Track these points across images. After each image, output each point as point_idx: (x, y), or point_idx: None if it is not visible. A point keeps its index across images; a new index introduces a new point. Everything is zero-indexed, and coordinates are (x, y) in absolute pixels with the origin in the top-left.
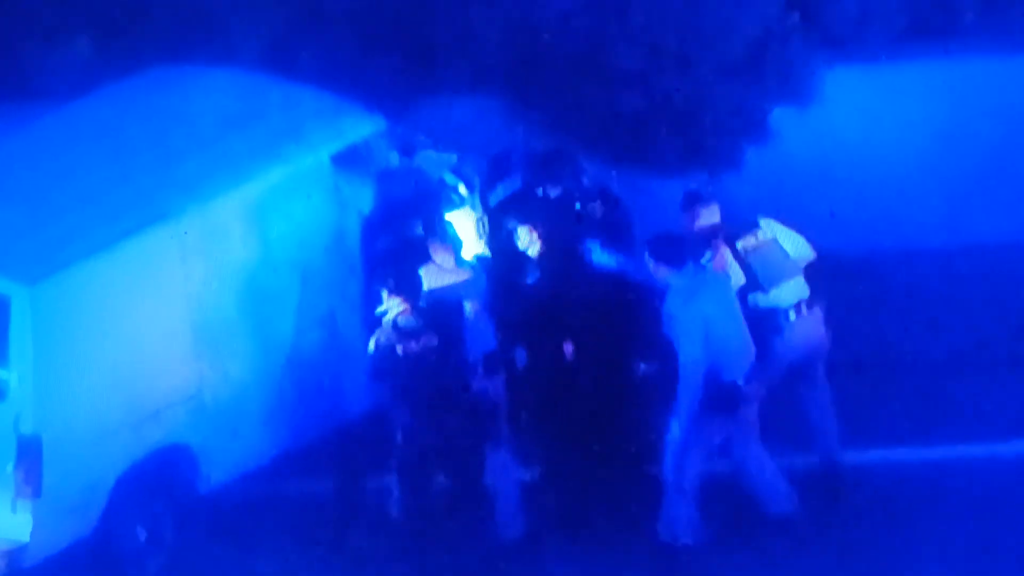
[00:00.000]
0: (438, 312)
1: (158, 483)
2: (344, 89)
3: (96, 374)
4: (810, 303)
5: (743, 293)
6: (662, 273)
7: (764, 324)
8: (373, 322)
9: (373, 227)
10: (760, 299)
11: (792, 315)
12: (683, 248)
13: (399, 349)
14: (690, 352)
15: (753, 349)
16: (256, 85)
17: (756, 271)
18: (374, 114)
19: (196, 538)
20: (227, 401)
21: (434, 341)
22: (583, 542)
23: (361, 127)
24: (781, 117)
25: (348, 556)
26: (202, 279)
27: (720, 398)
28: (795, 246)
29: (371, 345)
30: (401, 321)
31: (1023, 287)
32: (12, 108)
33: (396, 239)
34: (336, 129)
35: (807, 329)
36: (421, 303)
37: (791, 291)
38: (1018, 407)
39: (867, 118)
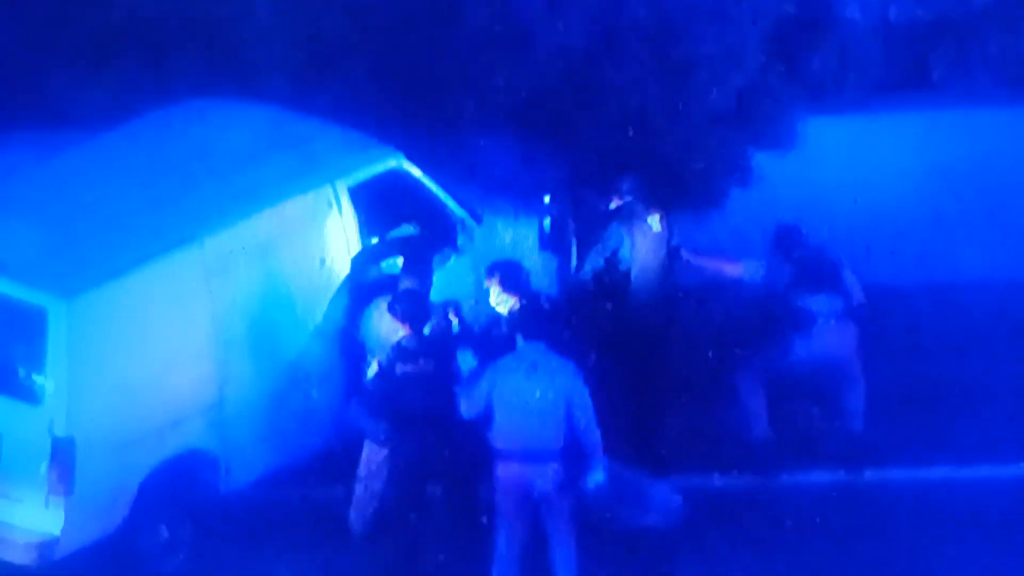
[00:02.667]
0: (434, 339)
1: (180, 486)
2: (360, 124)
3: (125, 382)
4: (842, 317)
5: (787, 290)
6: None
7: (793, 322)
8: (352, 345)
9: (365, 260)
10: (798, 300)
11: (821, 321)
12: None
13: (398, 370)
14: None
15: None
16: (278, 119)
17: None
18: (389, 148)
19: (214, 539)
20: (246, 410)
21: (431, 365)
22: None
23: (377, 161)
24: (763, 162)
25: (360, 561)
26: (224, 297)
27: None
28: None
29: (372, 367)
30: (404, 343)
31: (983, 324)
32: (50, 135)
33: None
34: (352, 162)
35: (832, 339)
36: (425, 330)
37: (827, 303)
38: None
39: (843, 165)
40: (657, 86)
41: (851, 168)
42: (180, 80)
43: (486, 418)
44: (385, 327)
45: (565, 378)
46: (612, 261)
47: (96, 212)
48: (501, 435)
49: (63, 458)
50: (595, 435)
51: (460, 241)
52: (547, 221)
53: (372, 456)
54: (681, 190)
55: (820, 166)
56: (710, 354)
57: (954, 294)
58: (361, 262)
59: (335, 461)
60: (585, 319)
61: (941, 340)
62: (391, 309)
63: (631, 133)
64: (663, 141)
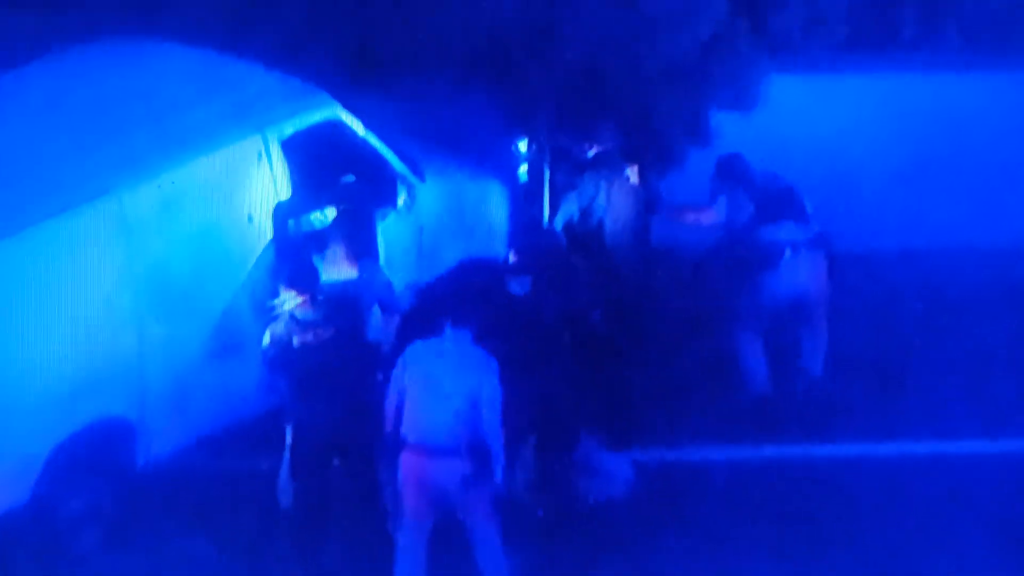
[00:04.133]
0: (335, 305)
1: (96, 455)
2: (296, 71)
3: (34, 344)
4: (811, 246)
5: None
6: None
7: (762, 258)
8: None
9: (284, 213)
10: (762, 232)
11: (788, 253)
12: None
13: (295, 341)
14: None
15: None
16: (205, 61)
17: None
18: (325, 98)
19: (134, 512)
20: (166, 376)
21: (329, 333)
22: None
23: (312, 110)
24: (724, 121)
25: (285, 532)
26: (143, 256)
27: None
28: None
29: (266, 337)
30: (298, 313)
31: (947, 289)
32: None
33: (298, 229)
34: (285, 111)
35: (803, 269)
36: (319, 295)
37: (791, 230)
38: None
39: (808, 126)
40: (614, 39)
41: (816, 130)
42: (96, 15)
43: (398, 403)
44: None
45: (480, 373)
46: (588, 212)
47: (4, 160)
48: (408, 423)
49: None
50: (498, 435)
51: (400, 200)
52: (523, 168)
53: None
54: (636, 147)
55: (784, 127)
56: (694, 308)
57: (920, 260)
58: (284, 213)
59: (259, 431)
60: (558, 273)
61: (905, 306)
62: (280, 276)
63: (586, 87)
64: (620, 98)
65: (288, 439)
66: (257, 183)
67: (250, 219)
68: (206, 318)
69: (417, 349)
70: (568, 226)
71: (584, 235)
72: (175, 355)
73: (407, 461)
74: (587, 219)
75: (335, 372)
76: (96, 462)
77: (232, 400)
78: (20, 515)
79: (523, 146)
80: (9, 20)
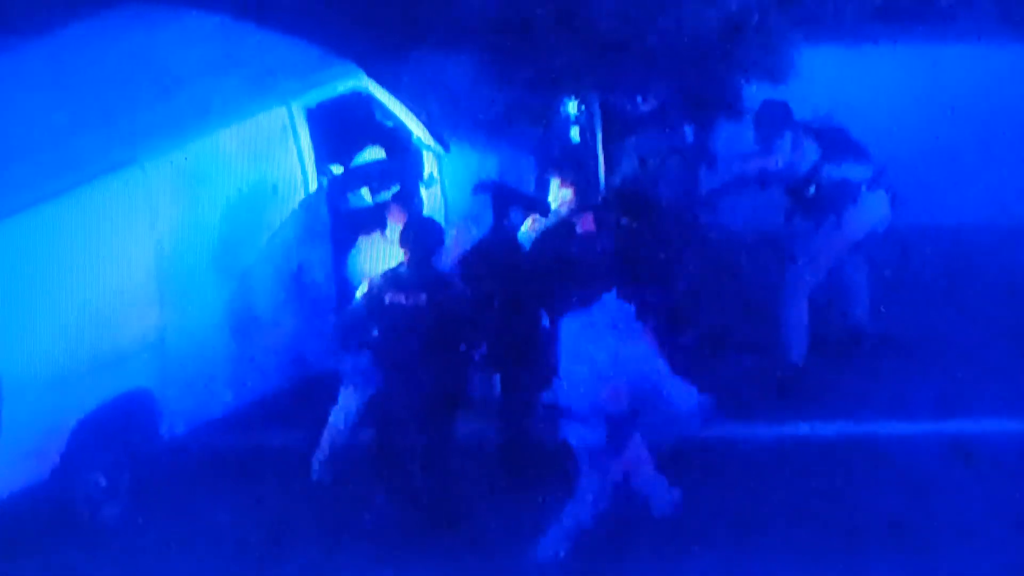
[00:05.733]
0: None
1: (118, 429)
2: (321, 40)
3: (58, 318)
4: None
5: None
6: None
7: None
8: (342, 278)
9: (342, 186)
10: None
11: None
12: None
13: (387, 299)
14: None
15: None
16: (231, 29)
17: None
18: (351, 67)
19: (155, 485)
20: (190, 349)
21: (422, 299)
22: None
23: (337, 80)
24: (755, 94)
25: (303, 508)
26: (168, 226)
27: None
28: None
29: (360, 291)
30: (400, 273)
31: (982, 268)
32: None
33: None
34: (311, 81)
35: (874, 206)
36: (427, 260)
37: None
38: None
39: (840, 98)
40: (644, 9)
41: (848, 102)
42: None
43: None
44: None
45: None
46: (644, 169)
47: (24, 129)
48: (559, 390)
49: None
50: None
51: (427, 172)
52: (575, 130)
53: (346, 401)
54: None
55: (815, 99)
56: (754, 265)
57: (953, 235)
58: (339, 189)
59: (280, 405)
60: (622, 233)
61: (937, 283)
62: (403, 236)
63: (624, 53)
64: (648, 66)
65: (343, 403)
66: (282, 154)
67: (275, 190)
68: (229, 291)
69: (576, 320)
70: (624, 185)
71: (640, 193)
72: (198, 328)
73: (561, 426)
74: (643, 177)
75: (419, 336)
76: (119, 436)
77: (254, 374)
78: (44, 488)
79: (572, 107)
80: None
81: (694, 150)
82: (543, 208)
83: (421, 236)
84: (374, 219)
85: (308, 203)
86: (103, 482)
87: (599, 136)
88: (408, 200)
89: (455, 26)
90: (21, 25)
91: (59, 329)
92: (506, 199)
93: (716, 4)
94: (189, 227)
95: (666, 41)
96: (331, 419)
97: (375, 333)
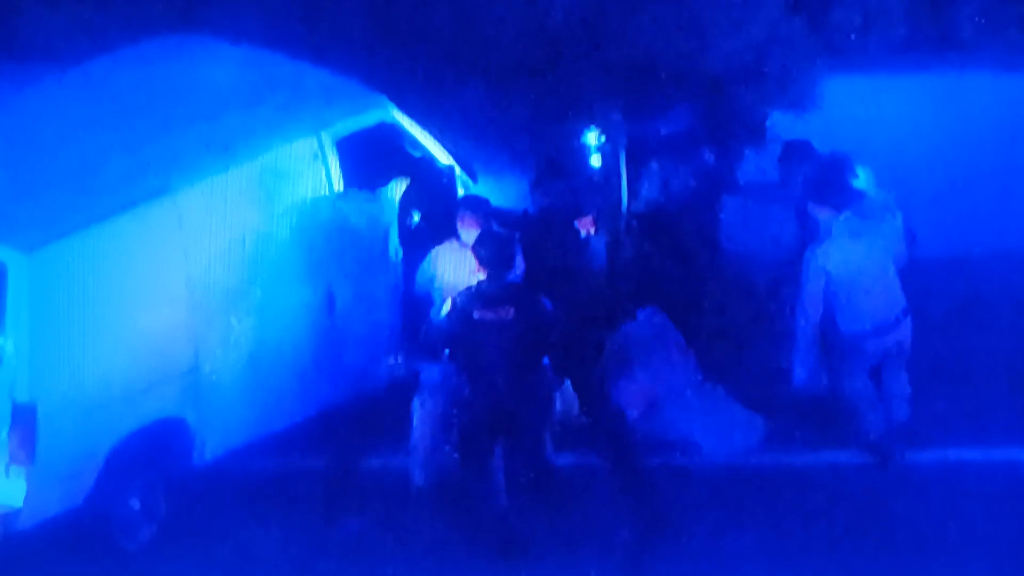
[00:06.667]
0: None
1: (153, 454)
2: (352, 72)
3: (93, 344)
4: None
5: None
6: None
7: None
8: (408, 295)
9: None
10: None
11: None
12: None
13: (476, 315)
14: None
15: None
16: (263, 61)
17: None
18: (379, 98)
19: (189, 510)
20: (224, 376)
21: (511, 313)
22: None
23: (366, 111)
24: (780, 121)
25: (338, 533)
26: (201, 254)
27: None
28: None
29: (445, 308)
30: (484, 288)
31: (1009, 299)
32: (13, 67)
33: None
34: (340, 111)
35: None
36: (508, 275)
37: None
38: None
39: (864, 127)
40: (668, 38)
41: (872, 132)
42: (155, 12)
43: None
44: (454, 271)
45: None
46: (666, 195)
47: (61, 157)
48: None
49: (24, 424)
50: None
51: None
52: (596, 157)
53: (426, 413)
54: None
55: (840, 128)
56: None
57: (976, 266)
58: (407, 207)
59: (311, 431)
60: (644, 257)
61: (968, 314)
62: (476, 250)
63: (649, 81)
64: (672, 96)
65: (420, 417)
66: (312, 183)
67: (305, 218)
68: (262, 318)
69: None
70: (647, 210)
71: (661, 218)
72: (231, 355)
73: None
74: (665, 202)
75: (508, 351)
76: (153, 462)
77: (287, 400)
78: (79, 513)
79: (593, 137)
80: (69, 16)
81: (716, 175)
82: (522, 222)
83: (498, 247)
84: (443, 229)
85: (338, 228)
86: (137, 507)
87: (623, 161)
88: (479, 206)
89: (480, 57)
90: (57, 54)
91: (94, 356)
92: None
93: (742, 31)
94: (222, 255)
95: (691, 66)
96: (416, 434)
97: (460, 347)
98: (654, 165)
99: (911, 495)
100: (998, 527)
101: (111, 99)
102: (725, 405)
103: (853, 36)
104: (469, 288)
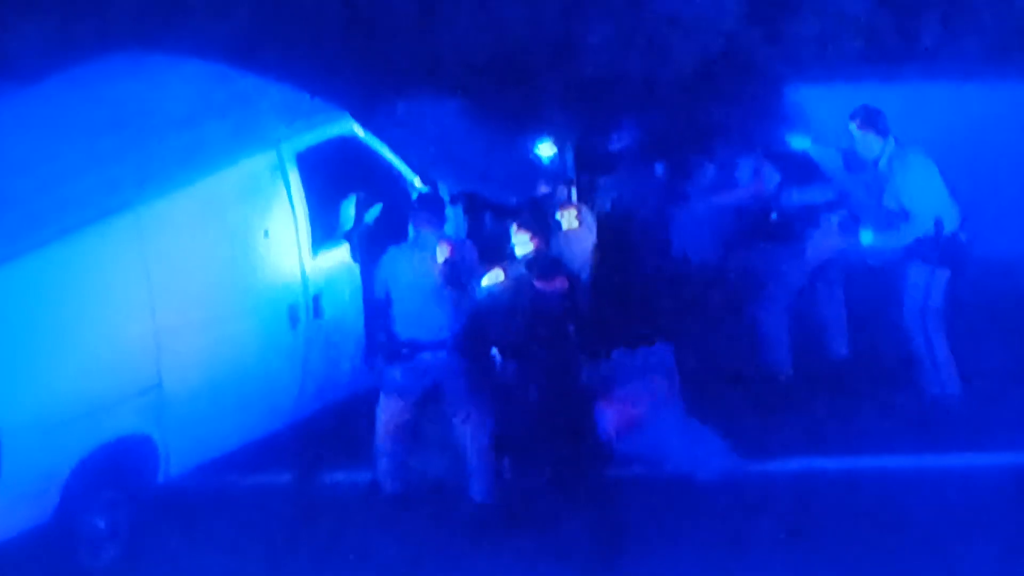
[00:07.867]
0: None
1: (116, 472)
2: (311, 85)
3: (55, 361)
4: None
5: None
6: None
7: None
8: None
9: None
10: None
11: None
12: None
13: (537, 284)
14: None
15: None
16: (222, 77)
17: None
18: (340, 112)
19: (154, 528)
20: (187, 392)
21: (565, 284)
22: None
23: (326, 124)
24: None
25: (305, 550)
26: (163, 270)
27: None
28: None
29: (492, 278)
30: (538, 258)
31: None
32: None
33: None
34: (300, 125)
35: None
36: (553, 245)
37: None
38: None
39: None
40: (629, 48)
41: (833, 141)
42: (113, 30)
43: None
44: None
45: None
46: (616, 207)
47: (17, 175)
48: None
49: None
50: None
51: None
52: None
53: (390, 411)
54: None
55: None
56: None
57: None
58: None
59: (279, 446)
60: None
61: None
62: (524, 221)
63: (604, 91)
64: (634, 108)
65: (383, 421)
66: (273, 197)
67: (266, 234)
68: (225, 333)
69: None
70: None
71: (614, 230)
72: (194, 371)
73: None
74: (616, 214)
75: (562, 323)
76: (117, 479)
77: (252, 415)
78: (43, 532)
79: (545, 149)
80: (26, 33)
81: (667, 187)
82: (515, 214)
83: (543, 216)
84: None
85: (298, 244)
86: (102, 525)
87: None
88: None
89: (438, 70)
90: (15, 72)
91: (57, 373)
92: (479, 207)
93: (698, 41)
94: (182, 272)
95: (644, 77)
96: (379, 439)
97: (518, 317)
98: (607, 178)
99: (896, 502)
100: (996, 532)
101: (70, 117)
102: (703, 430)
103: (812, 46)
104: (524, 257)
